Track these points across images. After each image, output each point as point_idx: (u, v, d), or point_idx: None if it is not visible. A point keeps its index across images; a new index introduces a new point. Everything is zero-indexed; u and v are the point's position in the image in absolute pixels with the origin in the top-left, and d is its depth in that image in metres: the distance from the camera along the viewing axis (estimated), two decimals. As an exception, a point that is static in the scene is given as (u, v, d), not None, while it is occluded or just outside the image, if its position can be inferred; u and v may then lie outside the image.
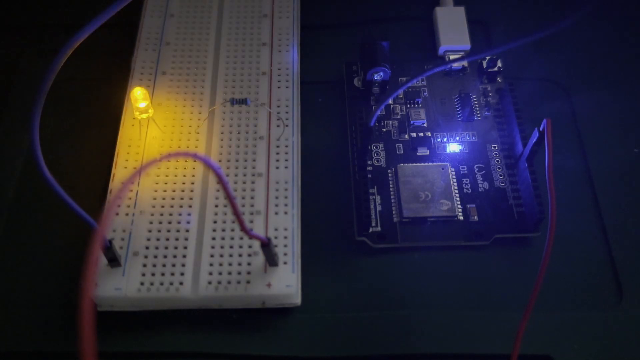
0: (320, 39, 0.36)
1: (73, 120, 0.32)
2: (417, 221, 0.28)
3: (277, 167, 0.28)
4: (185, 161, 0.28)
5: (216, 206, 0.27)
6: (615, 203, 0.29)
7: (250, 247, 0.26)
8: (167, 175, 0.28)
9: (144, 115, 0.29)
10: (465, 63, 0.33)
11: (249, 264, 0.25)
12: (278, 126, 0.29)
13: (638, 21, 0.36)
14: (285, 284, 0.25)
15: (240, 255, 0.26)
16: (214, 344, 0.26)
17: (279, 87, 0.31)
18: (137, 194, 0.27)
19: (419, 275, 0.27)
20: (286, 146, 0.29)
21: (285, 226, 0.27)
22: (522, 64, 0.34)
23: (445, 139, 0.31)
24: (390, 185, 0.29)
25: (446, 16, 0.35)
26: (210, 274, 0.25)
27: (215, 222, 0.27)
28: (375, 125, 0.31)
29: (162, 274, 0.25)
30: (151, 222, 0.27)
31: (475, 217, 0.28)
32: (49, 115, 0.30)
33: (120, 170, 0.28)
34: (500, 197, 0.29)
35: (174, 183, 0.28)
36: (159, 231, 0.26)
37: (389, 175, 0.30)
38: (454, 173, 0.30)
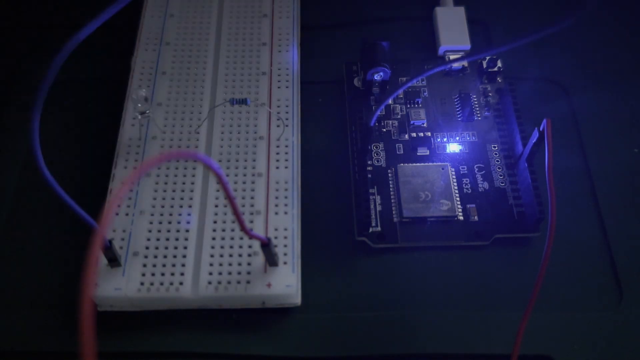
0: (320, 39, 0.36)
1: (73, 120, 0.32)
2: (417, 221, 0.28)
3: (277, 167, 0.28)
4: (185, 161, 0.28)
5: (216, 206, 0.27)
6: (615, 203, 0.29)
7: (250, 247, 0.26)
8: (167, 175, 0.28)
9: (144, 115, 0.29)
10: (465, 63, 0.33)
11: (249, 264, 0.25)
12: (278, 126, 0.29)
13: (638, 21, 0.36)
14: (285, 284, 0.25)
15: (240, 255, 0.26)
16: (214, 344, 0.26)
17: (279, 87, 0.31)
18: (137, 194, 0.27)
19: (419, 275, 0.27)
20: (286, 146, 0.29)
21: (285, 226, 0.27)
22: (522, 64, 0.34)
23: (445, 139, 0.31)
24: (390, 185, 0.29)
25: (446, 16, 0.35)
26: (210, 274, 0.25)
27: (215, 222, 0.27)
28: (375, 125, 0.31)
29: (162, 274, 0.25)
30: (151, 222, 0.27)
31: (475, 217, 0.28)
32: (49, 115, 0.31)
33: (120, 170, 0.28)
34: (500, 197, 0.29)
35: (174, 183, 0.28)
36: (159, 231, 0.26)
37: (389, 175, 0.30)
38: (454, 173, 0.30)
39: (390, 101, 0.32)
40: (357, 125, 0.31)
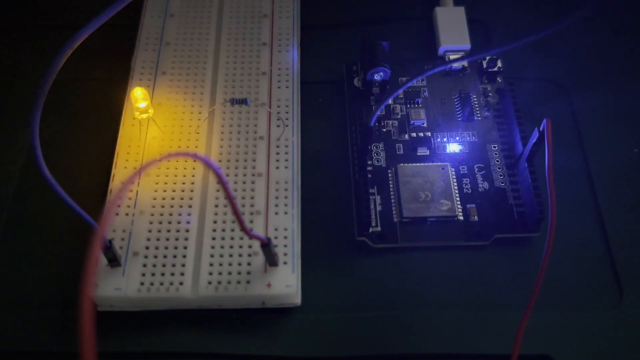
0: (320, 39, 0.36)
1: (73, 120, 0.32)
2: (417, 221, 0.28)
3: (277, 167, 0.28)
4: (185, 161, 0.28)
5: (216, 206, 0.27)
6: (615, 203, 0.29)
7: (250, 247, 0.26)
8: (167, 175, 0.28)
9: (144, 115, 0.29)
10: (465, 63, 0.33)
11: (249, 264, 0.25)
12: (278, 126, 0.29)
13: (638, 21, 0.36)
14: (285, 284, 0.25)
15: (240, 255, 0.26)
16: (214, 344, 0.26)
17: (279, 87, 0.31)
18: (137, 194, 0.27)
19: (419, 275, 0.27)
20: (286, 146, 0.29)
21: (285, 226, 0.27)
22: (522, 64, 0.34)
23: (445, 139, 0.31)
24: (390, 185, 0.29)
25: (446, 16, 0.35)
26: (210, 274, 0.25)
27: (215, 222, 0.27)
28: (375, 125, 0.31)
29: (162, 274, 0.25)
30: (151, 222, 0.27)
31: (475, 217, 0.28)
32: (49, 115, 0.31)
33: (120, 170, 0.28)
34: (500, 197, 0.29)
35: (174, 183, 0.28)
36: (159, 231, 0.26)
37: (389, 175, 0.30)
38: (454, 173, 0.30)
39: (390, 101, 0.32)
40: (357, 125, 0.31)
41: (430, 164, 0.30)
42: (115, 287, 0.25)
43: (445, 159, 0.30)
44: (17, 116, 0.32)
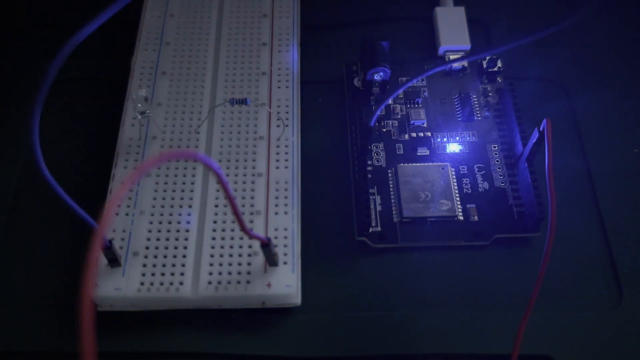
0: (320, 39, 0.36)
1: (73, 120, 0.32)
2: (417, 221, 0.28)
3: (277, 167, 0.28)
4: (185, 161, 0.28)
5: (216, 206, 0.27)
6: (615, 203, 0.29)
7: (250, 247, 0.26)
8: (167, 175, 0.28)
9: (144, 115, 0.29)
10: (465, 63, 0.33)
11: (249, 264, 0.25)
12: (278, 126, 0.29)
13: (638, 21, 0.36)
14: (285, 284, 0.25)
15: (240, 255, 0.26)
16: (214, 344, 0.26)
17: (279, 87, 0.31)
18: (137, 194, 0.27)
19: (419, 275, 0.27)
20: (286, 146, 0.29)
21: (285, 226, 0.27)
22: (522, 64, 0.34)
23: (445, 139, 0.31)
24: (390, 185, 0.29)
25: (446, 16, 0.35)
26: (210, 274, 0.25)
27: (215, 222, 0.27)
28: (375, 125, 0.31)
29: (162, 274, 0.25)
30: (151, 222, 0.27)
31: (475, 217, 0.28)
32: (49, 115, 0.31)
33: (120, 170, 0.28)
34: (500, 197, 0.29)
35: (174, 183, 0.28)
36: (159, 231, 0.26)
37: (389, 175, 0.30)
38: (454, 173, 0.30)
39: (390, 101, 0.32)
40: (357, 125, 0.31)
41: (430, 164, 0.30)
42: (115, 287, 0.25)
43: (445, 159, 0.30)
44: (17, 116, 0.32)
